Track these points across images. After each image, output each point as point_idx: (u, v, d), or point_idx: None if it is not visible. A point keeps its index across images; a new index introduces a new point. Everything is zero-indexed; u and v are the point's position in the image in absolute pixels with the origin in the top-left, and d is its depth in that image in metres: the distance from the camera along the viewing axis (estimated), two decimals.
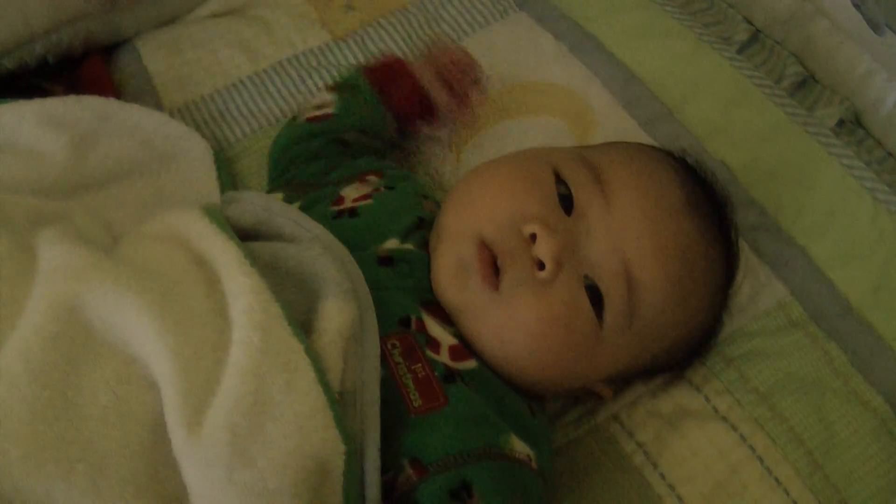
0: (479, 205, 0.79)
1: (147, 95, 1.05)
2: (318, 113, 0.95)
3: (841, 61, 1.10)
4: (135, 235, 0.76)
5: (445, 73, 0.97)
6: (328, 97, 0.96)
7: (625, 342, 0.79)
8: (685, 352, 0.86)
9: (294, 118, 0.98)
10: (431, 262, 0.78)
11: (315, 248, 0.72)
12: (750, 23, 1.17)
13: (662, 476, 0.84)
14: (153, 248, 0.72)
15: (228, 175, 0.97)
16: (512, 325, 0.74)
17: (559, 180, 0.79)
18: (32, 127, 0.88)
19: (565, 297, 0.75)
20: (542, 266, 0.74)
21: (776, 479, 0.83)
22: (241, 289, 0.66)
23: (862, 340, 0.91)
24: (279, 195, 0.86)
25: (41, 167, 0.87)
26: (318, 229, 0.74)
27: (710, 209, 0.83)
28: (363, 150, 0.93)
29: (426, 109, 0.96)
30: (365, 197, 0.83)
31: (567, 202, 0.78)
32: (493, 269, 0.75)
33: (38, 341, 0.62)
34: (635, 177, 0.80)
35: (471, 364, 0.75)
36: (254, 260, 0.68)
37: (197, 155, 0.96)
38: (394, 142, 0.96)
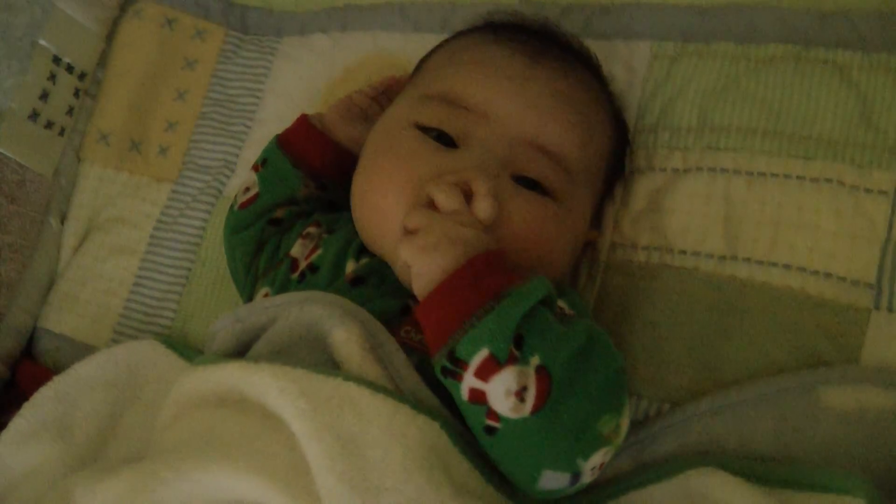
0: (383, 202, 0.80)
1: (79, 354, 1.05)
2: (245, 197, 0.98)
3: None
4: (157, 433, 0.79)
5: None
6: (252, 177, 0.99)
7: (579, 192, 0.84)
8: (621, 155, 0.92)
9: (231, 206, 1.00)
10: (392, 267, 0.81)
11: (294, 308, 0.76)
12: None
13: (683, 252, 0.87)
14: (177, 426, 0.75)
15: (188, 348, 0.99)
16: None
17: (425, 129, 0.82)
18: (14, 453, 0.90)
19: (516, 206, 0.78)
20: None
21: (759, 174, 0.85)
22: (264, 386, 0.69)
23: (732, 19, 0.92)
24: (263, 291, 0.90)
25: (48, 473, 0.89)
26: (286, 297, 0.78)
27: (546, 44, 0.88)
28: (295, 219, 0.96)
29: (343, 154, 0.98)
30: (314, 250, 0.88)
31: (445, 138, 0.81)
32: None
33: None
34: (473, 75, 0.84)
35: None
36: (257, 360, 0.72)
37: (153, 356, 0.97)
38: (320, 197, 0.98)
